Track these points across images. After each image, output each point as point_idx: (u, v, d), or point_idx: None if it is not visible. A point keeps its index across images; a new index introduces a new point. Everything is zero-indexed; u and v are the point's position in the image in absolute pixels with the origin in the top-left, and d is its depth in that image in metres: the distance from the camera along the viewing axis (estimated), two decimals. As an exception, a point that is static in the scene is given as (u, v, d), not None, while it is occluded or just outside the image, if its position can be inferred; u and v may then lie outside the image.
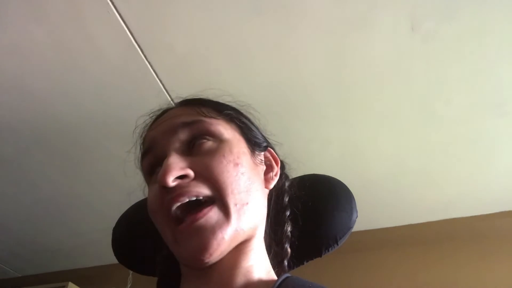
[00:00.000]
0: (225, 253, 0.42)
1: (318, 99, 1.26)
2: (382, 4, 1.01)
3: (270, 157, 0.55)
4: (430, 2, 1.00)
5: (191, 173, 0.43)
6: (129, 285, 1.86)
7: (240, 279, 0.44)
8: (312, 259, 0.57)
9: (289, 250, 0.52)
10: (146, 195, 0.62)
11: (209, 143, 0.46)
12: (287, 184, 0.56)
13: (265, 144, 0.55)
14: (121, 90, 1.24)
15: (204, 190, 0.42)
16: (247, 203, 0.44)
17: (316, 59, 1.15)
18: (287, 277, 0.45)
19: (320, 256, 0.57)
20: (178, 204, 0.42)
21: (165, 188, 0.42)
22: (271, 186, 0.52)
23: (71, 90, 1.24)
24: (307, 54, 1.13)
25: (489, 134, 1.34)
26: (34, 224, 1.88)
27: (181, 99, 0.57)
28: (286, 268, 0.52)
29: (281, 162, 0.58)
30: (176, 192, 0.42)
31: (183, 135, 0.47)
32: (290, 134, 1.33)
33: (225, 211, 0.42)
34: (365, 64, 1.16)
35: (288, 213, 0.54)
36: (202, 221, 0.40)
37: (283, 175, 0.57)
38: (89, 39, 1.09)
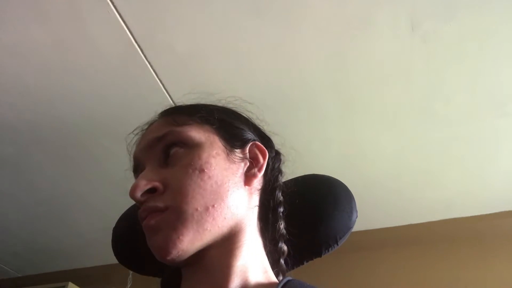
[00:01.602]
0: (190, 251, 0.43)
1: (318, 99, 1.26)
2: (382, 4, 1.01)
3: (257, 151, 0.52)
4: (430, 2, 1.00)
5: (159, 186, 0.45)
6: (129, 285, 1.86)
7: (235, 280, 0.44)
8: (312, 259, 0.57)
9: (284, 248, 0.51)
10: None
11: (180, 152, 0.48)
12: (280, 179, 0.55)
13: (248, 137, 0.53)
14: (121, 90, 1.24)
15: (161, 203, 0.44)
16: (213, 205, 0.45)
17: (316, 59, 1.15)
18: (288, 281, 0.45)
19: (320, 256, 0.57)
20: (144, 214, 0.45)
21: (137, 202, 0.46)
22: (254, 182, 0.50)
23: (71, 90, 1.24)
24: (307, 54, 1.13)
25: (489, 134, 1.34)
26: (34, 224, 1.88)
27: (169, 106, 0.57)
28: (284, 267, 0.51)
29: (277, 154, 0.57)
30: (144, 204, 0.45)
31: (157, 149, 0.49)
32: (290, 134, 1.33)
33: (179, 215, 0.43)
34: (365, 64, 1.16)
35: (281, 209, 0.53)
36: (153, 221, 0.44)
37: (276, 169, 0.56)
38: (89, 39, 1.09)
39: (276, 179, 0.55)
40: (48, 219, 1.85)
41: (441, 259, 1.67)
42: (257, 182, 0.52)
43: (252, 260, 0.47)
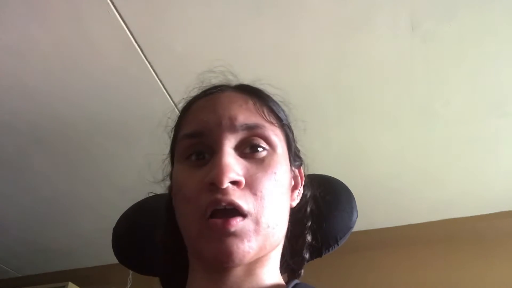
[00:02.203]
0: (246, 263, 0.42)
1: (318, 99, 1.26)
2: (382, 4, 1.01)
3: (298, 174, 0.53)
4: (430, 2, 1.00)
5: (243, 181, 0.42)
6: (129, 285, 1.86)
7: (252, 284, 0.44)
8: (312, 259, 0.57)
9: (307, 257, 0.52)
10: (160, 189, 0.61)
11: (263, 153, 0.45)
12: (308, 194, 0.55)
13: (300, 160, 0.54)
14: (121, 90, 1.24)
15: (245, 205, 0.41)
16: (277, 225, 0.44)
17: (317, 59, 1.15)
18: (296, 284, 0.45)
19: (321, 256, 0.57)
20: (218, 208, 0.41)
21: (213, 185, 0.41)
22: (294, 204, 0.51)
23: (71, 90, 1.24)
24: (307, 54, 1.13)
25: (489, 134, 1.35)
26: (34, 224, 1.88)
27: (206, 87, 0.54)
28: (301, 273, 0.52)
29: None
30: (223, 195, 0.41)
31: (241, 135, 0.45)
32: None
33: (256, 228, 0.42)
34: (365, 64, 1.16)
35: (309, 223, 0.54)
36: (233, 228, 0.40)
37: (305, 187, 0.56)
38: (88, 39, 1.09)
39: (306, 195, 0.55)
40: (48, 219, 1.85)
41: (441, 259, 1.67)
42: (295, 204, 0.52)
43: (272, 268, 0.47)
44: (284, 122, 0.51)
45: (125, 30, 1.07)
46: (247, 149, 0.45)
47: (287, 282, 0.49)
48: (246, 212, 0.41)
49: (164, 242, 0.53)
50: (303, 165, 0.55)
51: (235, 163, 0.43)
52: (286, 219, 0.47)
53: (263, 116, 0.47)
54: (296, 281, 0.46)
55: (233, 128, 0.45)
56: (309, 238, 0.53)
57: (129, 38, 1.09)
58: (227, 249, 0.40)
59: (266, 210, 0.42)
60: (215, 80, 0.55)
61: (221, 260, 0.40)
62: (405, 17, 1.04)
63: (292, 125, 0.55)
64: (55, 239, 2.00)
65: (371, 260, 1.75)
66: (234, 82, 0.55)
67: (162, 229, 0.53)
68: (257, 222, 0.41)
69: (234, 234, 0.40)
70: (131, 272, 1.75)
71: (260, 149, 0.45)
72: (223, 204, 0.40)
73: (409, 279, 1.65)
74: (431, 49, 1.11)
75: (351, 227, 0.58)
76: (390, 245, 1.77)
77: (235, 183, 0.41)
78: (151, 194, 0.64)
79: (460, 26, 1.05)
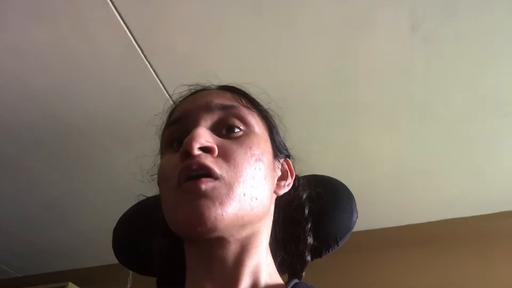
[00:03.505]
0: (220, 231, 0.41)
1: (318, 99, 1.26)
2: (382, 4, 1.01)
3: (287, 168, 0.55)
4: (430, 3, 1.00)
5: (215, 148, 0.43)
6: (129, 286, 1.86)
7: (247, 279, 0.44)
8: (312, 259, 0.57)
9: (309, 259, 0.53)
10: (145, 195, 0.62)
11: (240, 132, 0.47)
12: (305, 195, 0.56)
13: (286, 153, 0.56)
14: (121, 90, 1.24)
15: (217, 170, 0.42)
16: (256, 198, 0.43)
17: (316, 59, 1.15)
18: (296, 284, 0.46)
19: (321, 257, 0.57)
20: (192, 174, 0.41)
21: (186, 154, 0.42)
22: (281, 192, 0.52)
23: (71, 90, 1.24)
24: (307, 54, 1.13)
25: (489, 135, 1.35)
26: (34, 224, 1.88)
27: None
28: (302, 275, 0.53)
29: (296, 176, 0.58)
30: (194, 160, 0.41)
31: (217, 115, 0.47)
32: (290, 134, 1.33)
33: (229, 192, 0.41)
34: (365, 65, 1.16)
35: (309, 226, 0.54)
36: (203, 186, 0.40)
37: (300, 187, 0.57)
38: (89, 39, 1.09)
39: (301, 197, 0.56)
40: (48, 219, 1.85)
41: (441, 259, 1.67)
42: (281, 193, 0.53)
43: (263, 262, 0.47)
44: (262, 109, 0.53)
45: (125, 30, 1.07)
46: (224, 130, 0.47)
47: (287, 282, 0.49)
48: (218, 175, 0.41)
49: (160, 243, 0.53)
50: (292, 159, 0.57)
51: (208, 134, 0.44)
52: (268, 200, 0.47)
53: (239, 101, 0.49)
54: (295, 280, 0.46)
55: (209, 109, 0.47)
56: (310, 240, 0.53)
57: (129, 38, 1.09)
58: (197, 210, 0.39)
59: (240, 178, 0.42)
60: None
61: (193, 223, 0.39)
62: (405, 18, 1.04)
63: (279, 129, 0.58)
64: (55, 239, 2.00)
65: (371, 261, 1.75)
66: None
67: (160, 233, 0.53)
68: (230, 187, 0.41)
69: (205, 195, 0.40)
70: (131, 272, 1.75)
71: (236, 129, 0.47)
72: (194, 167, 0.41)
73: (409, 279, 1.65)
74: (431, 49, 1.11)
75: (351, 228, 0.58)
76: (390, 245, 1.77)
77: (207, 150, 0.42)
78: (141, 198, 0.64)
79: (460, 26, 1.05)
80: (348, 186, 0.61)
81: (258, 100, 0.56)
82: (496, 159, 1.43)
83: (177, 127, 0.48)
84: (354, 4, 1.01)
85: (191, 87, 0.56)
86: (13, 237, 1.98)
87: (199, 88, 0.55)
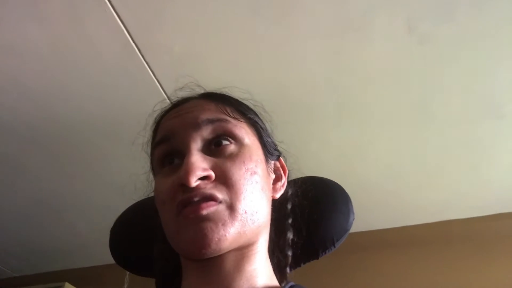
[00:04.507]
0: (224, 251, 0.42)
1: (315, 100, 1.26)
2: (379, 6, 1.01)
3: (279, 166, 0.55)
4: (427, 4, 1.01)
5: (212, 175, 0.43)
6: (125, 286, 1.85)
7: (243, 283, 0.44)
8: (309, 261, 0.57)
9: (290, 255, 0.53)
10: (144, 195, 0.62)
11: (231, 147, 0.46)
12: (290, 191, 0.56)
13: (277, 153, 0.56)
14: (119, 90, 1.24)
15: (219, 194, 0.42)
16: (256, 212, 0.44)
17: (314, 60, 1.15)
18: (291, 286, 0.46)
19: (317, 258, 0.57)
20: (192, 201, 0.42)
21: (183, 187, 0.42)
22: (277, 195, 0.52)
23: (69, 90, 1.23)
24: (305, 55, 1.13)
25: (486, 136, 1.35)
26: (31, 224, 1.87)
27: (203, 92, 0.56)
28: (287, 273, 0.52)
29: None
30: (194, 192, 0.41)
31: (206, 132, 0.47)
32: (287, 135, 1.33)
33: (232, 213, 0.42)
34: (362, 66, 1.16)
35: (290, 220, 0.54)
36: (205, 211, 0.41)
37: (289, 183, 0.57)
38: (86, 39, 1.09)
39: (287, 191, 0.56)
40: (45, 219, 1.84)
41: (439, 260, 1.68)
42: (279, 195, 0.53)
43: (261, 266, 0.47)
44: (251, 116, 0.52)
45: (123, 30, 1.07)
46: (213, 146, 0.46)
47: (281, 283, 0.49)
48: (220, 200, 0.42)
49: (161, 250, 0.53)
50: (282, 156, 0.57)
51: (202, 160, 0.44)
52: (267, 209, 0.47)
53: (225, 112, 0.49)
54: (291, 283, 0.47)
55: (196, 126, 0.47)
56: (290, 235, 0.53)
57: (127, 37, 1.09)
58: (201, 232, 0.40)
59: (240, 196, 0.43)
60: (184, 94, 0.57)
61: (197, 246, 0.40)
62: (402, 19, 1.04)
63: (269, 126, 0.57)
64: (51, 239, 1.99)
65: (368, 262, 1.75)
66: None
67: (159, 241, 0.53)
68: (232, 208, 0.42)
69: (208, 218, 0.40)
70: (128, 272, 1.75)
71: (225, 142, 0.46)
72: (196, 199, 0.41)
73: (406, 281, 1.65)
74: (428, 51, 1.11)
75: (348, 229, 0.58)
76: (387, 246, 1.77)
77: (205, 178, 0.42)
78: (139, 198, 0.64)
79: (457, 28, 1.06)
80: (344, 187, 0.61)
81: (244, 102, 0.55)
82: (493, 161, 1.44)
83: (166, 146, 0.48)
84: (352, 6, 1.01)
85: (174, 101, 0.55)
86: (9, 237, 1.98)
87: (183, 99, 0.54)
